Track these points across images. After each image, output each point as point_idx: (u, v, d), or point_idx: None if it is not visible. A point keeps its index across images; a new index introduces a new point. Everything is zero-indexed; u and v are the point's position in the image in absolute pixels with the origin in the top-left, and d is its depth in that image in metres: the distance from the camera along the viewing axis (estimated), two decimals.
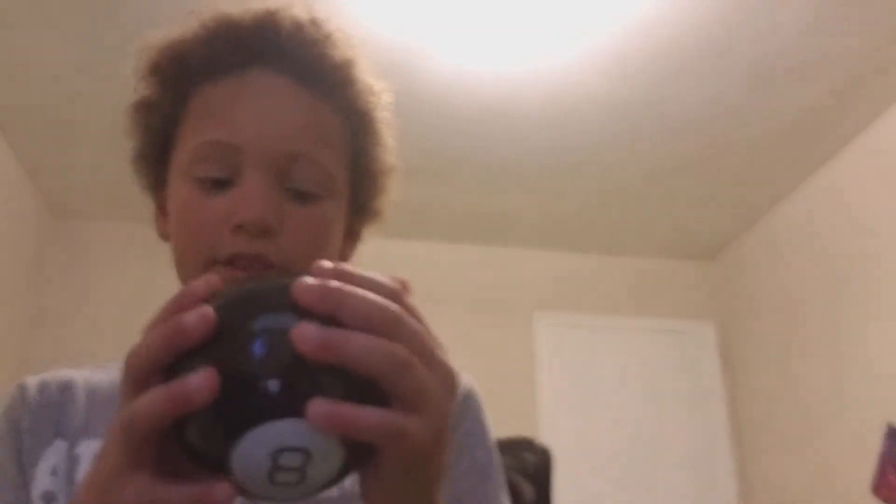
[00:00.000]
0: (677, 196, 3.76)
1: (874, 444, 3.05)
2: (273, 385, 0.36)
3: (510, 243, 4.16)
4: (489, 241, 4.14)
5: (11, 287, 3.37)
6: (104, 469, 0.41)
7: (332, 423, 0.36)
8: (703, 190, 3.71)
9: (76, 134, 3.17)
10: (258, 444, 0.37)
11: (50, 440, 0.66)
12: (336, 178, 0.67)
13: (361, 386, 0.37)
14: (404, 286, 0.43)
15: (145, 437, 0.38)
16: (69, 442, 0.66)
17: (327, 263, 0.41)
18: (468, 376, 0.76)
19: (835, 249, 3.42)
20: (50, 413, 0.67)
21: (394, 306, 0.40)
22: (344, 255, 0.72)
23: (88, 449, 0.65)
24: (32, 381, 0.70)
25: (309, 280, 0.38)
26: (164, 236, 0.71)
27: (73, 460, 0.65)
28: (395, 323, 0.39)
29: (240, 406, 0.37)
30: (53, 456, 0.65)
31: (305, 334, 0.36)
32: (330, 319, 0.37)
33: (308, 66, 0.67)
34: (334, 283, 0.38)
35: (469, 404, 0.74)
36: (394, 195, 0.77)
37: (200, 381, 0.36)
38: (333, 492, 0.62)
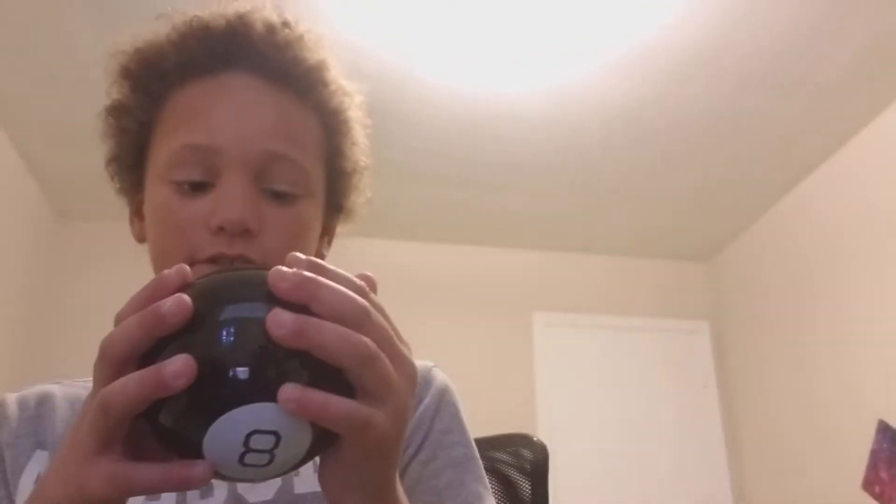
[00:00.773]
0: (674, 198, 3.78)
1: (868, 442, 3.08)
2: (247, 370, 0.38)
3: (510, 243, 4.18)
4: (489, 241, 4.16)
5: (14, 287, 3.37)
6: (74, 452, 0.41)
7: (303, 408, 0.38)
8: (699, 192, 3.73)
9: (79, 134, 3.15)
10: (232, 427, 0.38)
11: (31, 451, 0.66)
12: (312, 177, 0.68)
13: (329, 375, 0.39)
14: (370, 282, 0.44)
15: (119, 420, 0.39)
16: (50, 451, 0.66)
17: (301, 256, 0.42)
18: (442, 372, 0.77)
19: (830, 250, 3.45)
20: (30, 426, 0.68)
21: (363, 301, 0.41)
22: (319, 254, 0.73)
23: None
24: (11, 397, 0.70)
25: (284, 269, 0.40)
26: (140, 239, 0.72)
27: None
28: (364, 316, 0.41)
29: (216, 390, 0.38)
30: (37, 466, 0.65)
31: (280, 320, 0.38)
32: (301, 311, 0.39)
33: (282, 68, 0.67)
34: (308, 274, 0.40)
35: (446, 400, 0.74)
36: (367, 193, 0.78)
37: (179, 367, 0.37)
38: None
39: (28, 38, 2.69)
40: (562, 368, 4.01)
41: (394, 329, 0.44)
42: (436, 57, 2.83)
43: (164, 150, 0.65)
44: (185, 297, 0.39)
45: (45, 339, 3.54)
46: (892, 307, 3.06)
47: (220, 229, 0.61)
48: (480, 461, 0.73)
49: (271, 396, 0.38)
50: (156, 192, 0.66)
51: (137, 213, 0.73)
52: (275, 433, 0.39)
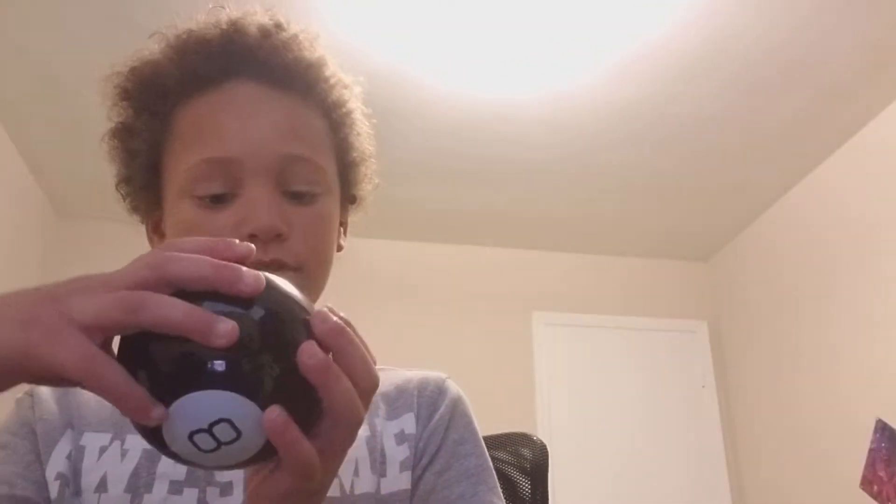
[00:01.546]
0: (672, 198, 3.79)
1: (865, 441, 3.09)
2: (261, 369, 0.39)
3: (509, 243, 4.19)
4: (488, 242, 4.17)
5: (15, 287, 3.37)
6: (71, 297, 0.40)
7: (279, 434, 0.40)
8: (697, 192, 3.74)
9: (81, 135, 3.17)
10: (213, 403, 0.39)
11: (64, 429, 0.68)
12: (328, 173, 0.70)
13: (312, 410, 0.42)
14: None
15: (139, 322, 0.38)
16: (76, 432, 0.68)
17: (336, 312, 0.45)
18: (454, 384, 0.79)
19: (826, 251, 3.46)
20: (60, 405, 0.70)
21: (376, 375, 0.45)
22: (339, 246, 0.75)
23: (91, 441, 0.67)
24: (39, 387, 0.71)
25: (328, 313, 0.43)
26: None
27: (79, 450, 0.67)
28: (372, 390, 0.45)
29: (231, 366, 0.39)
30: (67, 443, 0.67)
31: (313, 351, 0.40)
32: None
33: (283, 71, 0.69)
34: (344, 330, 0.43)
35: (459, 411, 0.76)
36: (374, 180, 0.79)
37: (229, 331, 0.38)
38: (335, 492, 0.65)
39: (28, 38, 2.69)
40: (561, 368, 4.02)
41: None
42: (437, 58, 2.84)
43: (181, 167, 0.67)
44: (262, 280, 0.41)
45: None
46: (891, 306, 3.07)
47: (253, 237, 0.63)
48: (494, 472, 0.74)
49: (261, 402, 0.39)
50: (179, 208, 0.67)
51: (156, 230, 0.74)
52: (239, 432, 0.40)
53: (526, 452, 1.03)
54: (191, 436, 0.40)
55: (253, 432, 0.40)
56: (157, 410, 0.39)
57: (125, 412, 0.39)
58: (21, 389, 0.72)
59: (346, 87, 0.74)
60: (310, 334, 0.42)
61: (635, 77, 2.95)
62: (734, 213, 3.94)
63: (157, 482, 0.65)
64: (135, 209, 0.75)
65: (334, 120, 0.73)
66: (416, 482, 0.70)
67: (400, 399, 0.74)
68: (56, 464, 0.66)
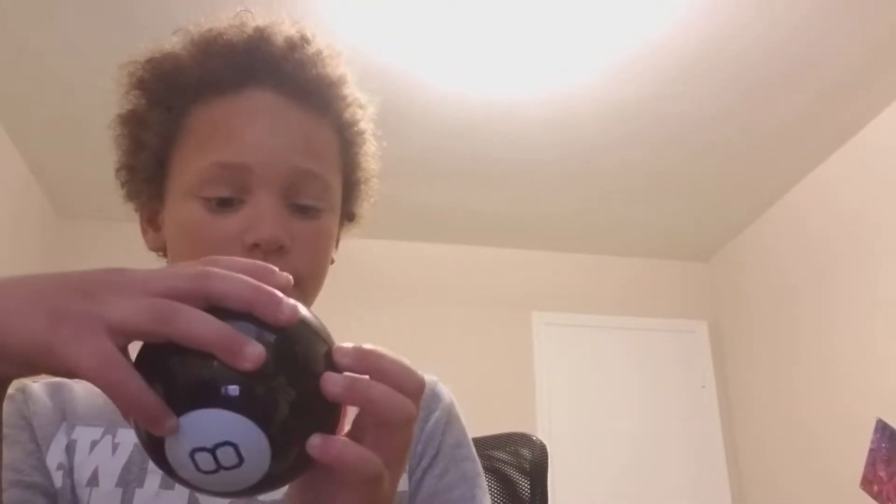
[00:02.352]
0: (672, 198, 3.79)
1: (865, 440, 3.09)
2: (281, 398, 0.39)
3: (509, 243, 4.19)
4: (488, 242, 4.17)
5: None
6: (104, 295, 0.39)
7: (336, 455, 0.40)
8: (697, 193, 3.74)
9: (81, 135, 3.18)
10: (222, 424, 0.38)
11: (59, 423, 0.69)
12: (334, 191, 0.71)
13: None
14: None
15: (170, 333, 0.38)
16: (70, 425, 0.69)
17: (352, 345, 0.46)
18: (445, 387, 0.80)
19: (826, 251, 3.46)
20: (54, 399, 0.71)
21: (416, 378, 0.45)
22: (331, 259, 0.76)
23: (82, 435, 0.68)
24: (31, 382, 0.72)
25: (345, 346, 0.43)
26: (155, 248, 0.74)
27: (72, 444, 0.68)
28: (418, 391, 0.44)
29: (248, 390, 0.38)
30: (63, 436, 0.68)
31: (335, 380, 0.40)
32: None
33: (303, 85, 0.69)
34: (367, 351, 0.43)
35: (454, 415, 0.77)
36: (372, 199, 0.80)
37: (258, 355, 0.37)
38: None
39: (28, 38, 2.69)
40: (561, 368, 4.02)
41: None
42: (437, 58, 2.84)
43: (191, 167, 0.67)
44: (299, 310, 0.41)
45: None
46: (891, 306, 3.07)
47: (255, 246, 0.64)
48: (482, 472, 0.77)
49: (270, 433, 0.39)
50: (183, 207, 0.67)
51: (150, 223, 0.74)
52: (241, 459, 0.39)
53: (526, 452, 1.03)
54: (192, 453, 0.39)
55: (253, 464, 0.39)
56: (171, 421, 0.38)
57: (138, 419, 0.39)
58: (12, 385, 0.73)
59: (361, 106, 0.76)
60: (330, 365, 0.42)
61: (635, 77, 2.95)
62: (734, 213, 3.95)
63: (149, 477, 0.66)
64: (131, 197, 0.74)
65: (346, 138, 0.74)
66: (416, 485, 0.71)
67: None
68: (55, 455, 0.67)
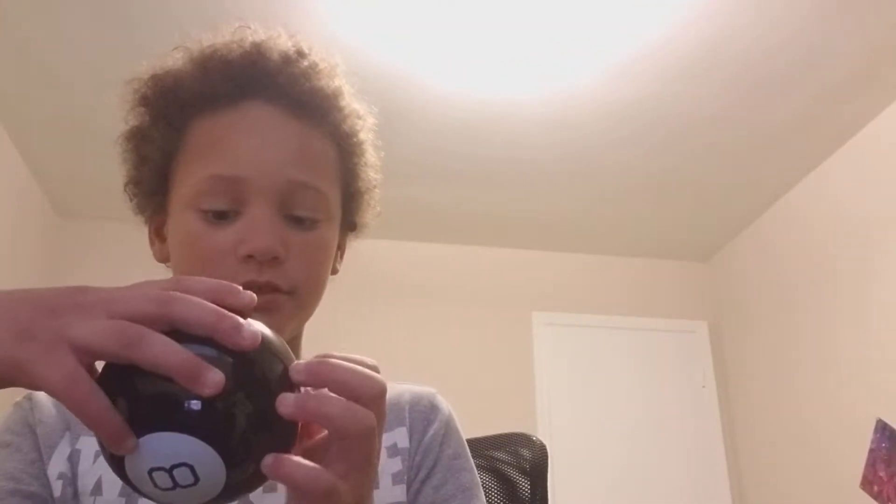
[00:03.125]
0: (672, 198, 3.79)
1: (865, 440, 3.09)
2: (238, 422, 0.40)
3: (509, 243, 4.19)
4: (488, 242, 4.17)
5: (15, 286, 3.38)
6: (66, 313, 0.40)
7: (288, 474, 0.41)
8: (697, 193, 3.74)
9: (81, 135, 3.18)
10: (179, 446, 0.40)
11: (63, 432, 0.70)
12: (331, 201, 0.72)
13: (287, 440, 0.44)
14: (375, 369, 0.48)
15: (140, 357, 0.38)
16: (73, 435, 0.70)
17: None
18: (443, 398, 0.81)
19: (826, 251, 3.46)
20: (59, 410, 0.71)
21: (373, 383, 0.45)
22: (334, 269, 0.77)
23: (86, 445, 0.69)
24: (37, 392, 0.74)
25: (299, 363, 0.44)
26: (162, 259, 0.75)
27: (76, 453, 0.69)
28: (372, 395, 0.45)
29: (206, 414, 0.40)
30: (66, 445, 0.69)
31: (286, 401, 0.42)
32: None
33: (299, 97, 0.71)
34: (320, 363, 0.44)
35: (452, 426, 0.78)
36: (377, 208, 0.81)
37: (217, 382, 0.39)
38: None
39: (28, 38, 2.69)
40: (561, 368, 4.02)
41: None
42: (437, 58, 2.84)
43: (189, 179, 0.69)
44: (259, 337, 0.42)
45: None
46: (891, 306, 3.07)
47: (250, 257, 0.65)
48: (480, 482, 0.78)
49: (225, 455, 0.41)
50: (182, 219, 0.69)
51: (157, 234, 0.76)
52: (197, 478, 0.41)
53: (525, 453, 1.03)
54: (150, 471, 0.41)
55: (209, 482, 0.41)
56: (130, 442, 0.39)
57: (98, 436, 0.40)
58: (20, 393, 0.73)
59: (359, 117, 0.77)
60: (288, 384, 0.43)
61: (635, 77, 2.95)
62: (734, 213, 3.95)
63: None
64: (140, 210, 0.77)
65: (344, 149, 0.75)
66: (413, 496, 0.72)
67: (391, 412, 0.76)
68: (57, 464, 0.67)
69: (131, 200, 0.76)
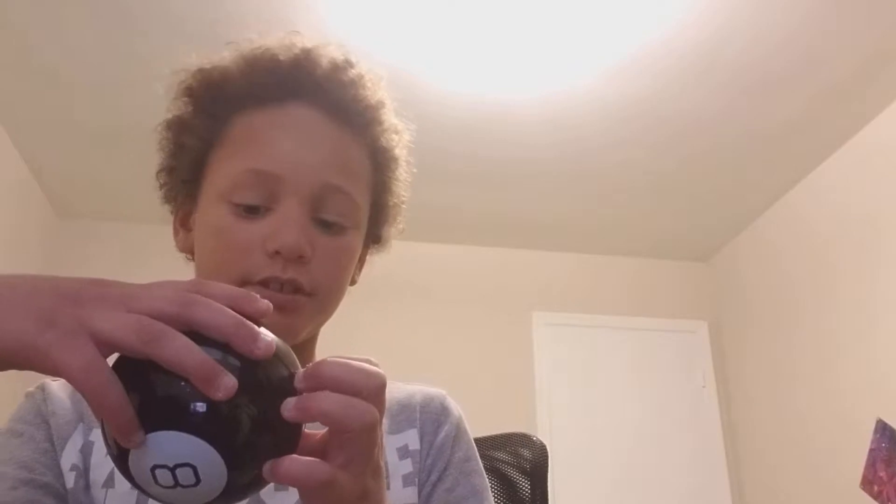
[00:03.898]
0: (672, 198, 3.79)
1: (865, 440, 3.09)
2: (243, 427, 0.41)
3: (509, 243, 4.19)
4: (488, 242, 4.17)
5: None
6: (90, 304, 0.41)
7: (287, 475, 0.42)
8: (697, 193, 3.74)
9: (81, 135, 3.19)
10: (184, 447, 0.40)
11: (76, 423, 0.70)
12: (361, 210, 0.73)
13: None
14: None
15: (159, 354, 0.39)
16: (87, 427, 0.70)
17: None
18: (452, 400, 0.81)
19: (826, 251, 3.46)
20: (72, 399, 0.72)
21: (371, 377, 0.46)
22: (353, 280, 0.78)
23: (99, 437, 0.68)
24: (51, 381, 0.74)
25: (302, 371, 0.45)
26: (185, 249, 0.76)
27: (88, 445, 0.69)
28: (371, 388, 0.46)
29: (211, 417, 0.41)
30: (80, 437, 0.69)
31: (288, 406, 0.42)
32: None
33: (343, 105, 0.72)
34: (314, 368, 0.45)
35: (462, 429, 0.79)
36: (400, 226, 0.84)
37: (230, 387, 0.40)
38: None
39: (28, 38, 2.69)
40: (561, 368, 4.02)
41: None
42: (437, 58, 2.84)
43: (225, 171, 0.69)
44: (273, 347, 0.43)
45: None
46: (891, 306, 3.07)
47: (276, 253, 0.66)
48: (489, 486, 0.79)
49: (229, 459, 0.41)
50: (213, 210, 0.69)
51: (183, 224, 0.76)
52: (199, 479, 0.41)
53: (526, 453, 1.03)
54: (153, 468, 0.41)
55: (210, 484, 0.42)
56: (138, 436, 0.40)
57: (108, 426, 0.41)
58: (32, 382, 0.73)
59: (397, 132, 0.79)
60: (291, 391, 0.44)
61: (635, 77, 2.95)
62: (734, 213, 3.95)
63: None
64: (168, 200, 0.77)
65: (379, 162, 0.76)
66: (425, 499, 0.73)
67: (402, 414, 0.77)
68: (70, 456, 0.67)
69: (161, 188, 0.77)
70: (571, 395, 3.97)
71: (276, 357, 0.44)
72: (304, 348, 0.74)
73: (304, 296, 0.67)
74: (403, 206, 0.82)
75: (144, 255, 3.69)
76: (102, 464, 0.67)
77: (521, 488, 1.01)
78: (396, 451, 0.74)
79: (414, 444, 0.75)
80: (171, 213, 0.78)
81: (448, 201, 3.80)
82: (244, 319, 0.42)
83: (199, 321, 0.41)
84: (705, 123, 3.22)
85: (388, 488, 0.71)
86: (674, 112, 3.15)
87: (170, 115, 0.75)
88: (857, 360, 3.22)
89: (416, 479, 0.73)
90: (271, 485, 0.65)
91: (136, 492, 0.65)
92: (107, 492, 0.66)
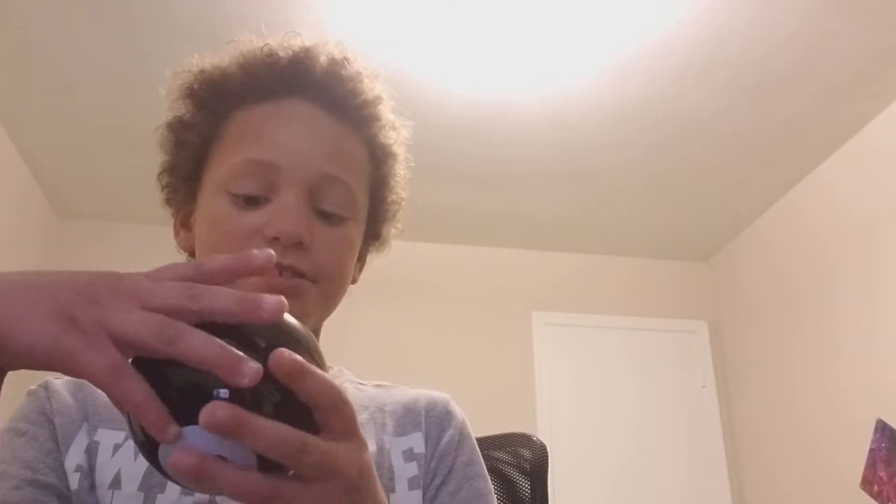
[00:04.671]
0: (672, 198, 3.79)
1: (865, 440, 3.09)
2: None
3: (509, 243, 4.19)
4: (488, 242, 4.17)
5: None
6: (113, 300, 0.41)
7: (297, 457, 0.41)
8: (697, 193, 3.74)
9: (81, 135, 3.19)
10: (215, 439, 0.40)
11: (81, 422, 0.69)
12: (359, 202, 0.74)
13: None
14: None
15: (180, 352, 0.39)
16: (91, 427, 0.69)
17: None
18: (456, 404, 0.81)
19: (826, 251, 3.46)
20: (76, 398, 0.71)
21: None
22: (354, 278, 0.78)
23: (105, 437, 0.68)
24: (54, 379, 0.72)
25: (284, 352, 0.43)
26: (187, 249, 0.76)
27: (93, 445, 0.68)
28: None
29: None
30: (84, 437, 0.68)
31: (278, 361, 0.41)
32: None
33: (341, 100, 0.74)
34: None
35: (465, 433, 0.79)
36: (399, 225, 0.84)
37: (254, 371, 0.39)
38: None
39: (28, 38, 2.69)
40: (561, 368, 4.02)
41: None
42: (437, 58, 2.84)
43: (225, 164, 0.71)
44: (283, 304, 0.42)
45: None
46: (891, 306, 3.07)
47: (275, 239, 0.67)
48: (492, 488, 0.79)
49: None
50: (213, 202, 0.71)
51: (184, 224, 0.77)
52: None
53: (526, 453, 1.03)
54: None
55: (240, 458, 0.41)
56: (174, 430, 0.40)
57: (143, 424, 0.40)
58: (33, 381, 0.73)
59: (394, 129, 0.80)
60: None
61: (635, 77, 2.95)
62: (734, 213, 3.95)
63: (171, 482, 0.65)
64: (168, 202, 0.78)
65: (377, 157, 0.77)
66: (429, 502, 0.73)
67: (407, 417, 0.77)
68: (75, 456, 0.67)
69: (162, 190, 0.78)
70: (571, 395, 3.97)
71: (292, 337, 0.44)
72: None
73: (308, 281, 0.68)
74: (402, 204, 0.83)
75: (144, 255, 3.68)
76: (108, 464, 0.67)
77: (521, 488, 1.01)
78: (402, 453, 0.74)
79: (419, 447, 0.75)
80: (172, 215, 0.78)
81: (447, 201, 3.79)
82: (245, 294, 0.42)
83: (209, 309, 0.41)
84: (705, 123, 3.22)
85: (394, 491, 0.71)
86: (673, 112, 3.15)
87: (170, 116, 0.76)
88: (857, 360, 3.22)
89: (421, 483, 0.73)
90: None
91: (142, 493, 0.65)
92: (113, 493, 0.65)
